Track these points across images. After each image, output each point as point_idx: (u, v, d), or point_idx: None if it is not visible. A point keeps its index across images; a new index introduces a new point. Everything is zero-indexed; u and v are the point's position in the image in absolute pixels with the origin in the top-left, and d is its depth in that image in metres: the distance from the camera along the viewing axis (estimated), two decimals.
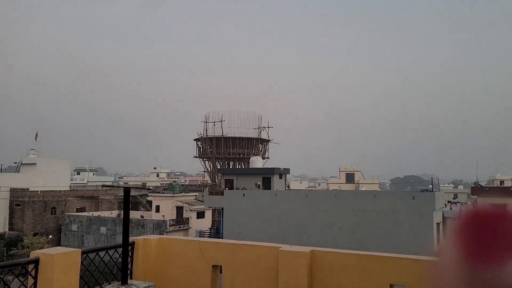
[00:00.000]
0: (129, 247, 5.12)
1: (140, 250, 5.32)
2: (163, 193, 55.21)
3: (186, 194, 55.43)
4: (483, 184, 73.51)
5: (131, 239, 5.21)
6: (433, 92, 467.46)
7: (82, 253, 4.50)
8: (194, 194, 57.02)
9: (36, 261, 4.13)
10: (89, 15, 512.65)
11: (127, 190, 4.43)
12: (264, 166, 51.39)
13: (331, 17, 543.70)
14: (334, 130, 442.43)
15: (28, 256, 4.29)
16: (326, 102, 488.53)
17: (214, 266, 5.28)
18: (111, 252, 5.00)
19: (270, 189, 39.83)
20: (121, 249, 4.77)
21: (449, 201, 56.17)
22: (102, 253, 4.92)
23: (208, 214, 52.56)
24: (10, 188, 54.40)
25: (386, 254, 4.49)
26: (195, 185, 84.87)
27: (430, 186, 38.22)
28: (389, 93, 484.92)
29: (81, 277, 4.42)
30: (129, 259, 5.11)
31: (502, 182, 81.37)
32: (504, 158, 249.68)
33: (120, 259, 4.71)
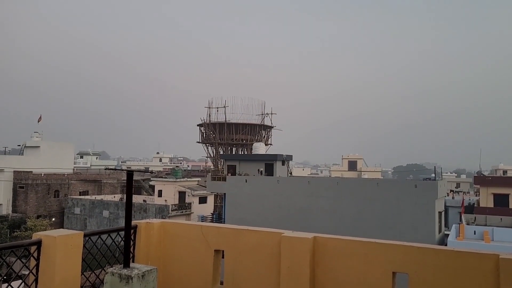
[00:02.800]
0: (132, 231, 5.11)
1: (143, 234, 5.31)
2: (166, 177, 55.38)
3: (188, 179, 55.61)
4: (486, 173, 73.39)
5: (133, 222, 5.20)
6: (436, 80, 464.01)
7: (85, 235, 4.49)
8: (197, 179, 57.19)
9: (38, 243, 4.12)
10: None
11: (130, 173, 4.39)
12: (267, 153, 51.40)
13: (335, 1, 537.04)
14: (337, 117, 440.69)
15: (31, 238, 4.28)
16: (329, 90, 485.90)
17: (216, 251, 5.27)
18: (113, 235, 4.99)
19: (273, 175, 39.88)
20: (123, 232, 4.75)
21: (451, 190, 56.28)
22: (104, 236, 4.91)
23: (210, 200, 52.78)
24: (14, 171, 54.67)
25: (389, 241, 4.46)
26: (198, 170, 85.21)
27: (433, 175, 38.16)
28: (392, 80, 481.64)
29: (83, 260, 4.42)
30: (132, 243, 5.10)
31: (505, 172, 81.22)
32: (508, 148, 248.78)
33: (122, 243, 4.70)
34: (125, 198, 4.62)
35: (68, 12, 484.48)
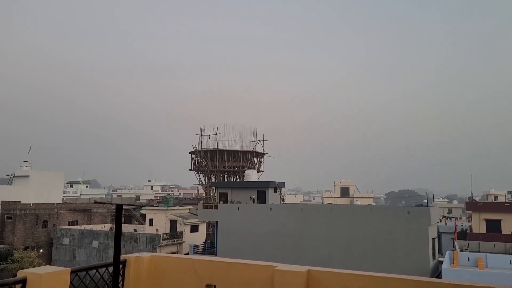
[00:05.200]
0: (120, 266, 4.97)
1: (132, 269, 5.16)
2: (157, 206, 54.76)
3: (180, 207, 55.06)
4: (477, 199, 73.70)
5: (122, 257, 5.07)
6: (427, 106, 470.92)
7: (72, 272, 4.35)
8: (188, 207, 56.64)
9: (23, 281, 3.97)
10: (79, 16, 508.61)
11: (119, 207, 4.30)
12: (259, 180, 51.25)
13: (331, 26, 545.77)
14: (329, 143, 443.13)
15: (18, 271, 4.14)
16: (320, 116, 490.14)
17: (208, 286, 5.14)
18: (101, 270, 4.85)
19: (265, 202, 39.65)
20: (112, 267, 4.62)
21: (444, 216, 56.23)
22: (92, 271, 4.77)
23: (202, 228, 52.15)
24: (2, 201, 53.76)
25: (384, 274, 4.38)
26: (190, 198, 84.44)
27: (425, 201, 38.18)
28: (383, 106, 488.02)
29: None
30: (120, 278, 4.96)
31: (496, 197, 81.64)
32: (498, 173, 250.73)
33: (111, 278, 4.56)
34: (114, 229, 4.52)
35: (55, 35, 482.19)
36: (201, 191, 67.73)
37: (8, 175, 68.02)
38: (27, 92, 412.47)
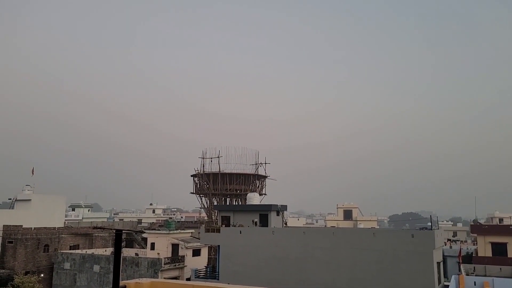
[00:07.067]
0: None
1: None
2: (159, 230, 54.38)
3: (182, 231, 54.63)
4: (481, 221, 73.01)
5: (122, 283, 5.02)
6: (429, 128, 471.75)
7: None
8: (190, 231, 56.21)
9: None
10: (86, 40, 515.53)
11: (118, 233, 4.29)
12: (261, 203, 50.97)
13: (334, 42, 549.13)
14: (332, 166, 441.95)
15: None
16: (321, 137, 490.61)
17: None
18: None
19: (267, 226, 39.39)
20: None
21: (448, 239, 55.57)
22: None
23: (204, 252, 51.65)
24: (3, 225, 53.56)
25: None
26: (192, 221, 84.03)
27: (429, 224, 37.83)
28: (386, 128, 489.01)
29: None
30: None
31: (501, 220, 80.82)
32: (502, 195, 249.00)
33: None
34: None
35: (58, 59, 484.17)
36: (203, 214, 67.39)
37: (10, 199, 67.90)
38: (29, 116, 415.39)
